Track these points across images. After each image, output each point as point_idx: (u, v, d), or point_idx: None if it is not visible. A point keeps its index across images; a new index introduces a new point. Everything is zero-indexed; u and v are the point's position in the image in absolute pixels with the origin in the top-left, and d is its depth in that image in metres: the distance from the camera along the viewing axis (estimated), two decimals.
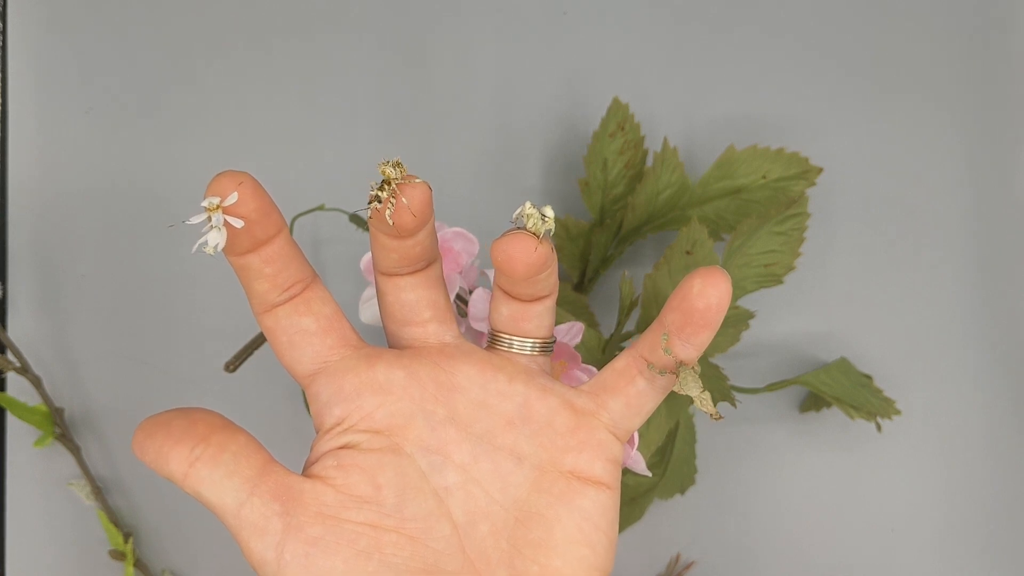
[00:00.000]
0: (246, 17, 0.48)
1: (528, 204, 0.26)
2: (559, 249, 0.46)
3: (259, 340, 0.41)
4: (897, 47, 0.49)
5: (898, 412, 0.45)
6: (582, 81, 0.49)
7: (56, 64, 0.48)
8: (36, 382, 0.44)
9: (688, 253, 0.39)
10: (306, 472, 0.28)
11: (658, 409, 0.42)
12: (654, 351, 0.28)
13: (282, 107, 0.48)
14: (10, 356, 0.45)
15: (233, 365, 0.41)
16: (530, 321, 0.29)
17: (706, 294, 0.26)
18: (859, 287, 0.48)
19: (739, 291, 0.41)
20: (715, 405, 0.28)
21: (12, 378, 0.46)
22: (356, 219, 0.43)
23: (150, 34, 0.48)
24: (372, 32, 0.48)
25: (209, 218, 0.25)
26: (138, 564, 0.45)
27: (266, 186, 0.51)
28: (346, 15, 0.49)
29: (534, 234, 0.26)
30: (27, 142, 0.47)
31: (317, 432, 0.28)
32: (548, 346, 0.30)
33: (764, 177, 0.44)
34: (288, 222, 0.45)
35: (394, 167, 0.25)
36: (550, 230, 0.26)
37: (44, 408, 0.45)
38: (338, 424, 0.28)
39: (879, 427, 0.44)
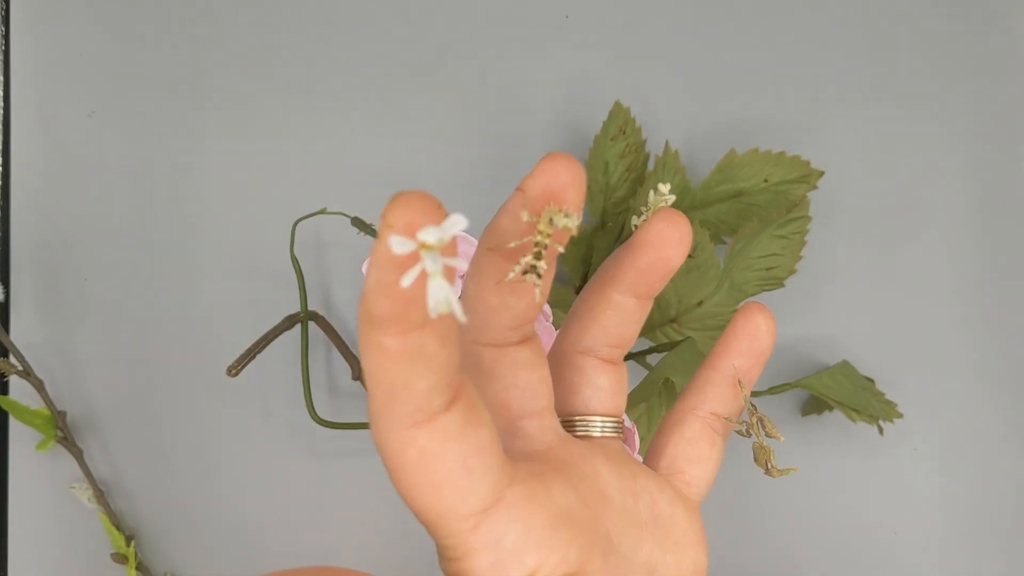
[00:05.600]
0: (248, 21, 0.48)
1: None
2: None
3: (261, 344, 0.41)
4: (899, 50, 0.49)
5: (900, 415, 0.45)
6: (584, 85, 0.49)
7: (59, 68, 0.48)
8: (38, 385, 0.45)
9: (690, 256, 0.39)
10: None
11: (660, 409, 0.42)
12: (729, 403, 0.25)
13: (284, 111, 0.48)
14: (12, 359, 0.45)
15: (236, 369, 0.41)
16: (622, 393, 0.25)
17: (772, 330, 0.25)
18: (861, 290, 0.48)
19: (741, 294, 0.41)
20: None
21: (14, 381, 0.46)
22: (358, 223, 0.43)
23: (152, 37, 0.48)
24: (375, 36, 0.48)
25: (423, 258, 0.15)
26: (140, 567, 0.45)
27: (268, 189, 0.51)
28: (349, 19, 0.49)
29: None
30: (30, 145, 0.47)
31: None
32: (620, 426, 0.25)
33: (765, 180, 0.44)
34: (290, 226, 0.45)
35: (552, 220, 0.18)
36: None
37: (46, 411, 0.45)
38: None
39: (881, 430, 0.44)
